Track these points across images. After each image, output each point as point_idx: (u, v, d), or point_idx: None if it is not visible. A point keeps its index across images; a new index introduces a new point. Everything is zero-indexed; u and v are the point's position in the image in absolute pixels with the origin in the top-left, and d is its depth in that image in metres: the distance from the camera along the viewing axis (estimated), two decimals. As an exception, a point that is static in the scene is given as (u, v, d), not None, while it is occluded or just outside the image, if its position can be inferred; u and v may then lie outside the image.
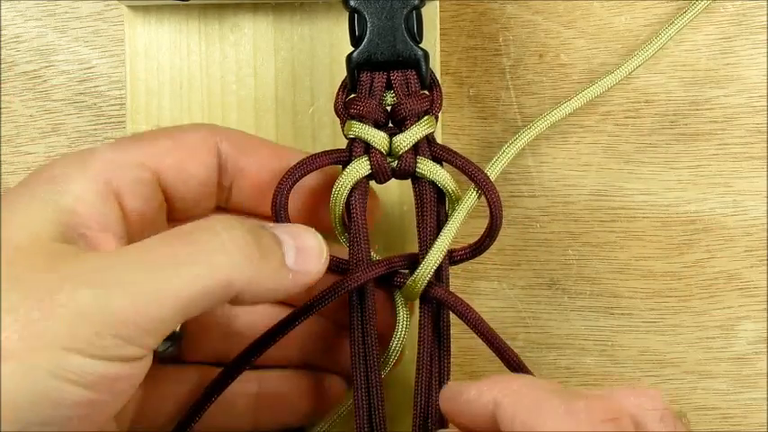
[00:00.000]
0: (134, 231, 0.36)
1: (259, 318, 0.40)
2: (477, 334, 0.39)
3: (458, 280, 0.45)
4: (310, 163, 0.38)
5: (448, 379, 0.39)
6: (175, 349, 0.40)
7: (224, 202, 0.40)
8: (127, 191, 0.36)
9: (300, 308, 0.38)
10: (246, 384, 0.40)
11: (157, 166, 0.37)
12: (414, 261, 0.39)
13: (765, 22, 0.46)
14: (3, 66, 0.46)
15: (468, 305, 0.39)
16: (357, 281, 0.38)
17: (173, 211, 0.38)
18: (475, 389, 0.32)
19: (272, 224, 0.36)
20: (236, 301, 0.33)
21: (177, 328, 0.39)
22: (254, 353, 0.38)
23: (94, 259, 0.32)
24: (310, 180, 0.39)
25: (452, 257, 0.39)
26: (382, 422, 0.38)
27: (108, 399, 0.31)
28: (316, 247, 0.35)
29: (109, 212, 0.35)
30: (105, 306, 0.30)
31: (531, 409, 0.30)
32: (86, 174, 0.35)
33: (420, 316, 0.39)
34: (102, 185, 0.35)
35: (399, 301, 0.39)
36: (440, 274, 0.39)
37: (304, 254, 0.35)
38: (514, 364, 0.39)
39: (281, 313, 0.40)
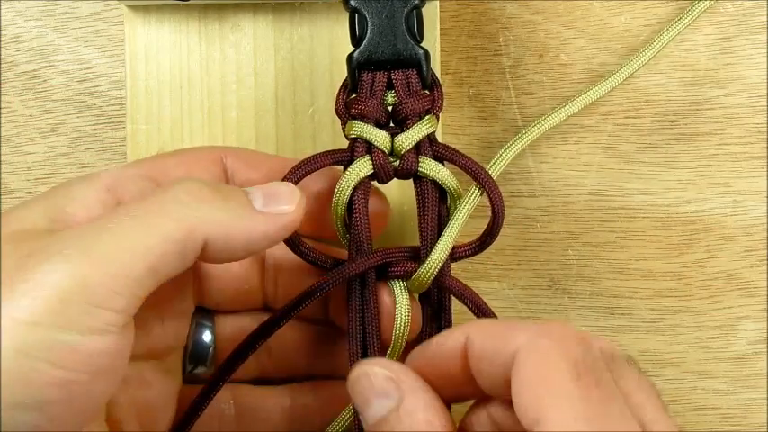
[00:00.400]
0: None
1: (292, 331, 0.40)
2: None
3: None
4: (312, 163, 0.38)
5: None
6: (209, 370, 0.40)
7: None
8: (128, 197, 0.36)
9: (300, 295, 0.38)
10: (280, 398, 0.41)
11: (163, 180, 0.37)
12: (415, 254, 0.39)
13: (765, 22, 0.46)
14: (3, 66, 0.46)
15: (479, 296, 0.39)
16: (357, 268, 0.38)
17: None
18: (444, 333, 0.32)
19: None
20: (212, 252, 0.33)
21: (210, 351, 0.40)
22: (247, 349, 0.38)
23: (58, 234, 0.32)
24: (313, 186, 0.39)
25: (453, 254, 0.39)
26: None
27: (85, 378, 0.30)
28: (286, 190, 0.35)
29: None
30: (68, 273, 0.30)
31: (502, 331, 0.30)
32: (90, 183, 0.35)
33: (423, 313, 0.39)
34: (104, 193, 0.35)
35: (399, 289, 0.39)
36: (441, 271, 0.38)
37: (273, 197, 0.35)
38: None
39: (315, 329, 0.41)
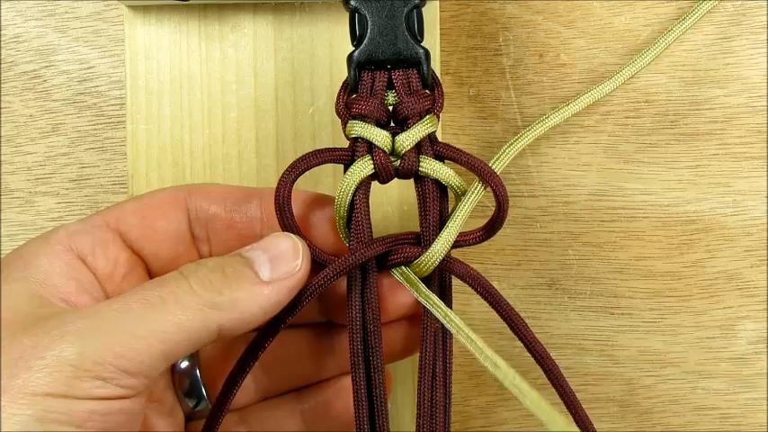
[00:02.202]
0: (111, 289, 0.37)
1: (290, 341, 0.40)
2: (496, 310, 0.39)
3: (457, 279, 0.45)
4: (313, 158, 0.38)
5: (450, 377, 0.39)
6: (209, 405, 0.40)
7: (207, 253, 0.40)
8: (89, 252, 0.37)
9: (303, 290, 0.37)
10: (289, 405, 0.41)
11: (120, 226, 0.38)
12: (416, 240, 0.38)
13: (765, 22, 0.46)
14: (3, 66, 0.46)
15: (485, 278, 0.38)
16: (359, 257, 0.37)
17: (153, 269, 0.39)
18: None
19: (249, 246, 0.37)
20: (223, 335, 0.34)
21: (199, 385, 0.40)
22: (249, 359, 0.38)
23: (70, 314, 0.33)
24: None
25: (457, 241, 0.39)
26: (385, 423, 0.38)
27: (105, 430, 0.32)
28: (290, 248, 0.36)
29: (80, 276, 0.36)
30: (81, 352, 0.31)
31: None
32: (49, 247, 0.36)
33: (423, 312, 0.39)
34: (64, 253, 0.36)
35: (409, 275, 0.38)
36: (446, 256, 0.38)
37: (278, 260, 0.36)
38: (530, 341, 0.39)
39: (312, 333, 0.41)
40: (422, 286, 0.38)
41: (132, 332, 0.32)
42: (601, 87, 0.42)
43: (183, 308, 0.33)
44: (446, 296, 0.39)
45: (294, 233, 0.37)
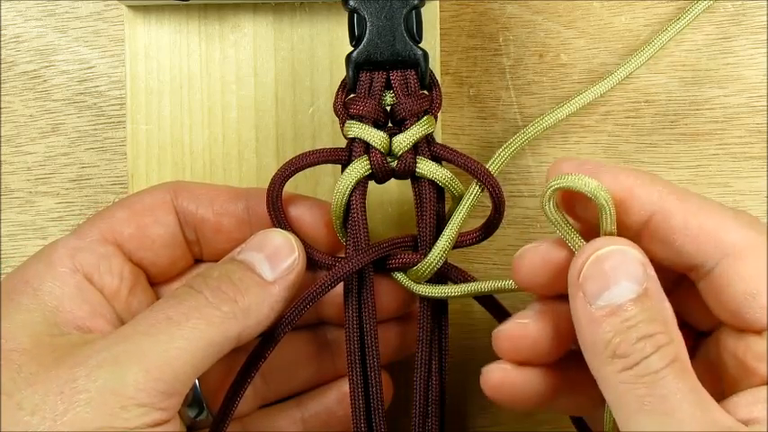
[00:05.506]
0: (119, 306, 0.37)
1: (286, 347, 0.40)
2: (495, 317, 0.39)
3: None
4: (308, 157, 0.38)
5: (445, 376, 0.39)
6: (209, 415, 0.40)
7: (199, 255, 0.40)
8: (94, 271, 0.37)
9: (297, 302, 0.38)
10: (290, 412, 0.41)
11: (117, 239, 0.38)
12: (413, 243, 0.39)
13: (765, 22, 0.45)
14: (3, 66, 0.46)
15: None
16: (356, 264, 0.38)
17: (152, 276, 0.39)
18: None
19: (238, 248, 0.37)
20: (241, 341, 0.35)
21: (199, 396, 0.40)
22: (251, 368, 0.38)
23: (98, 341, 0.33)
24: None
25: (455, 242, 0.39)
26: (381, 422, 0.38)
27: None
28: (283, 243, 0.37)
29: (91, 298, 0.36)
30: (122, 380, 0.32)
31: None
32: (54, 269, 0.36)
33: (420, 311, 0.39)
34: (71, 276, 0.36)
35: (407, 281, 0.39)
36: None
37: (276, 258, 0.37)
38: None
39: (308, 335, 0.41)
40: (419, 288, 0.38)
41: (166, 353, 0.33)
42: (596, 87, 0.42)
43: (207, 322, 0.34)
44: (443, 301, 0.39)
45: (285, 229, 0.38)
